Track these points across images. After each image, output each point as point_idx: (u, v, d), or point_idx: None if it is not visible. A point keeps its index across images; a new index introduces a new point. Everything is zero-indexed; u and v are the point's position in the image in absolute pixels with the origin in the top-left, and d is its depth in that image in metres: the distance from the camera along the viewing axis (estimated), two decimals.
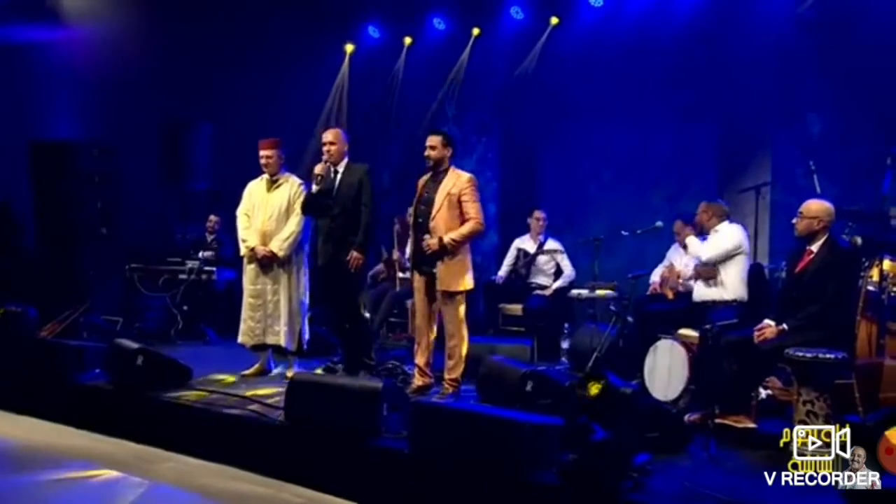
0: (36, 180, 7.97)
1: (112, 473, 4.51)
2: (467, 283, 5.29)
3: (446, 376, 5.33)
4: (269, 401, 5.11)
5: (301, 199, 5.81)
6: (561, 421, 3.95)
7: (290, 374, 5.71)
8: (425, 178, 5.46)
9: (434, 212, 5.25)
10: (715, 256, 5.49)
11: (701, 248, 5.58)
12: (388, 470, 4.19)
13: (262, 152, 5.90)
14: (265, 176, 5.99)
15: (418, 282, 5.44)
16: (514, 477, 3.73)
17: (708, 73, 7.34)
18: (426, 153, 5.34)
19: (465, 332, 5.32)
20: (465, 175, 5.31)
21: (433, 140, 5.34)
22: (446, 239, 5.17)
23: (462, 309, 5.29)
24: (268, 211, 5.91)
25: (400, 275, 7.71)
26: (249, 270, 5.95)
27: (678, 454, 4.22)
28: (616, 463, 3.64)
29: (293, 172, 6.11)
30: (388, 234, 8.17)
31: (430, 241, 5.19)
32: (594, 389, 4.39)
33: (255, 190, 6.03)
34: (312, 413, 4.56)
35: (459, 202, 5.23)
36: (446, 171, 5.33)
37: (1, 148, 8.02)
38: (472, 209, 5.22)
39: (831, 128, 7.00)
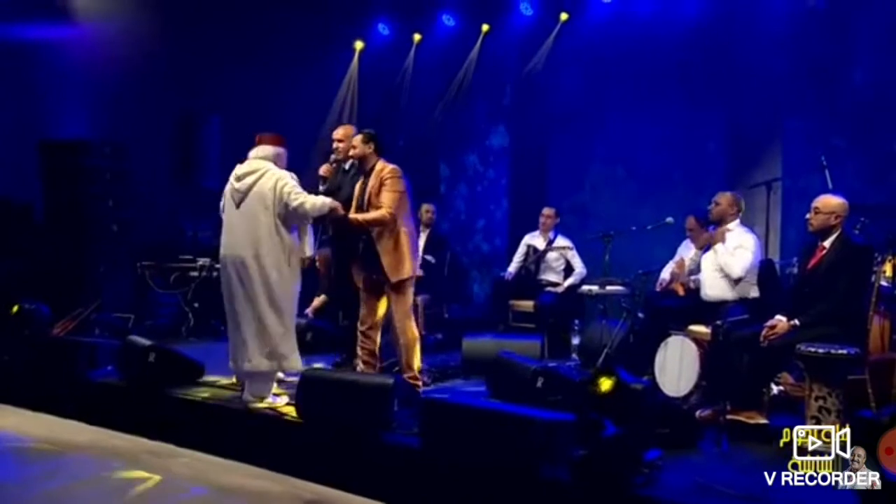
0: (47, 179, 8.01)
1: (125, 470, 4.53)
2: (407, 270, 5.16)
3: (405, 375, 5.17)
4: (281, 397, 5.12)
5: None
6: (572, 417, 3.95)
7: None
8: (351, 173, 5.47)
9: (368, 209, 5.20)
10: (746, 271, 5.38)
11: (732, 265, 5.39)
12: (399, 465, 4.21)
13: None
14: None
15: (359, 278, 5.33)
16: (525, 473, 3.74)
17: (718, 67, 7.31)
18: (350, 153, 5.38)
19: (414, 328, 5.22)
20: (389, 167, 5.24)
21: (355, 140, 5.30)
22: (351, 216, 5.16)
23: (409, 303, 5.21)
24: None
25: None
26: None
27: (689, 450, 4.22)
28: (627, 459, 3.64)
29: (303, 170, 6.03)
30: None
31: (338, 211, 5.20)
32: (605, 385, 4.38)
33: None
34: (324, 409, 4.57)
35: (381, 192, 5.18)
36: (373, 167, 5.25)
37: (12, 146, 8.04)
38: (386, 199, 5.12)
39: (842, 122, 6.96)
